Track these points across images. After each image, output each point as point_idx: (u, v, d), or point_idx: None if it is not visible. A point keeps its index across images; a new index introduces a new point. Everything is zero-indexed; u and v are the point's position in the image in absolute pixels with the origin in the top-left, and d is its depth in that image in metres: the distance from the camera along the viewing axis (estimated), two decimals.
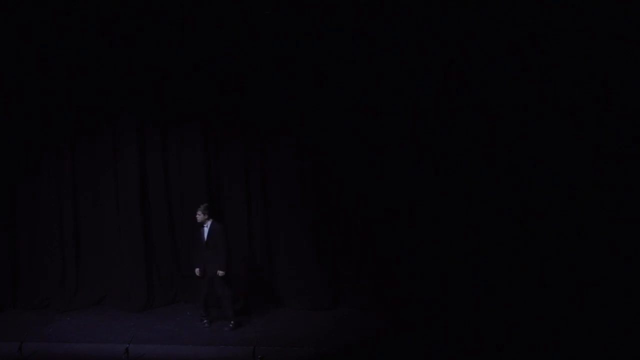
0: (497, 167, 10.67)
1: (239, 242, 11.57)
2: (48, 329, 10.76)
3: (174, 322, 11.06)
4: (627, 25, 9.83)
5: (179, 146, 11.96)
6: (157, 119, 11.87)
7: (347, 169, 11.35)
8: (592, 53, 10.10)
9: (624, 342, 9.02)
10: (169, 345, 9.86)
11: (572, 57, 10.16)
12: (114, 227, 11.80)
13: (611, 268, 10.06)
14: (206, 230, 10.67)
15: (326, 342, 9.71)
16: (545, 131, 10.47)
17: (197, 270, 10.67)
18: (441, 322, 10.31)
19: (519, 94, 10.50)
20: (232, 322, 10.58)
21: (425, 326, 10.27)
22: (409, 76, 10.93)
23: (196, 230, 10.83)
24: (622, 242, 10.02)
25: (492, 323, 10.04)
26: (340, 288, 11.54)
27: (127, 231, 11.79)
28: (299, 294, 11.53)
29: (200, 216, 10.67)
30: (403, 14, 10.62)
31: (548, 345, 9.14)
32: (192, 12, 10.89)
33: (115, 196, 11.88)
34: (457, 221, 10.81)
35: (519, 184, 10.59)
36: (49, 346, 9.81)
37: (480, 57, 10.59)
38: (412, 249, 11.03)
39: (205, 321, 10.76)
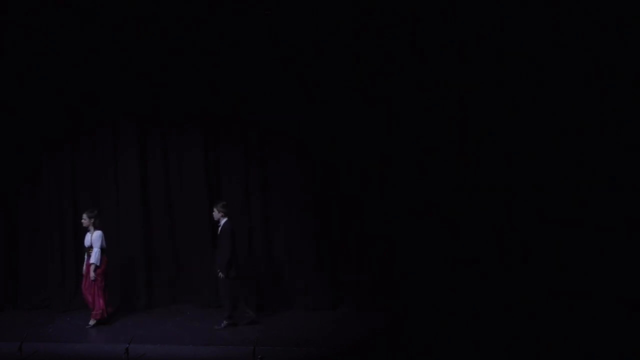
0: (497, 168, 10.66)
1: (239, 243, 11.52)
2: (48, 329, 10.77)
3: (174, 322, 11.07)
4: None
5: (179, 146, 11.96)
6: (158, 120, 11.88)
7: (347, 170, 11.34)
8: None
9: (624, 342, 9.01)
10: (169, 345, 9.86)
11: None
12: (114, 227, 11.80)
13: (612, 268, 10.07)
14: (219, 228, 10.62)
15: (326, 342, 9.70)
16: (540, 131, 10.52)
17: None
18: (441, 322, 10.31)
19: (509, 96, 10.56)
20: (224, 321, 10.53)
21: (425, 326, 10.27)
22: (412, 78, 10.93)
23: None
24: (623, 242, 10.04)
25: (492, 323, 10.04)
26: (340, 288, 11.54)
27: (127, 231, 11.80)
28: (299, 294, 11.53)
29: (215, 214, 10.64)
30: (405, 16, 10.62)
31: (548, 345, 9.13)
32: (193, 12, 10.89)
33: (115, 196, 11.90)
34: (456, 222, 10.80)
35: (517, 185, 10.60)
36: (49, 346, 9.80)
37: (481, 58, 10.61)
38: (411, 249, 11.03)
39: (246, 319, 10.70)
